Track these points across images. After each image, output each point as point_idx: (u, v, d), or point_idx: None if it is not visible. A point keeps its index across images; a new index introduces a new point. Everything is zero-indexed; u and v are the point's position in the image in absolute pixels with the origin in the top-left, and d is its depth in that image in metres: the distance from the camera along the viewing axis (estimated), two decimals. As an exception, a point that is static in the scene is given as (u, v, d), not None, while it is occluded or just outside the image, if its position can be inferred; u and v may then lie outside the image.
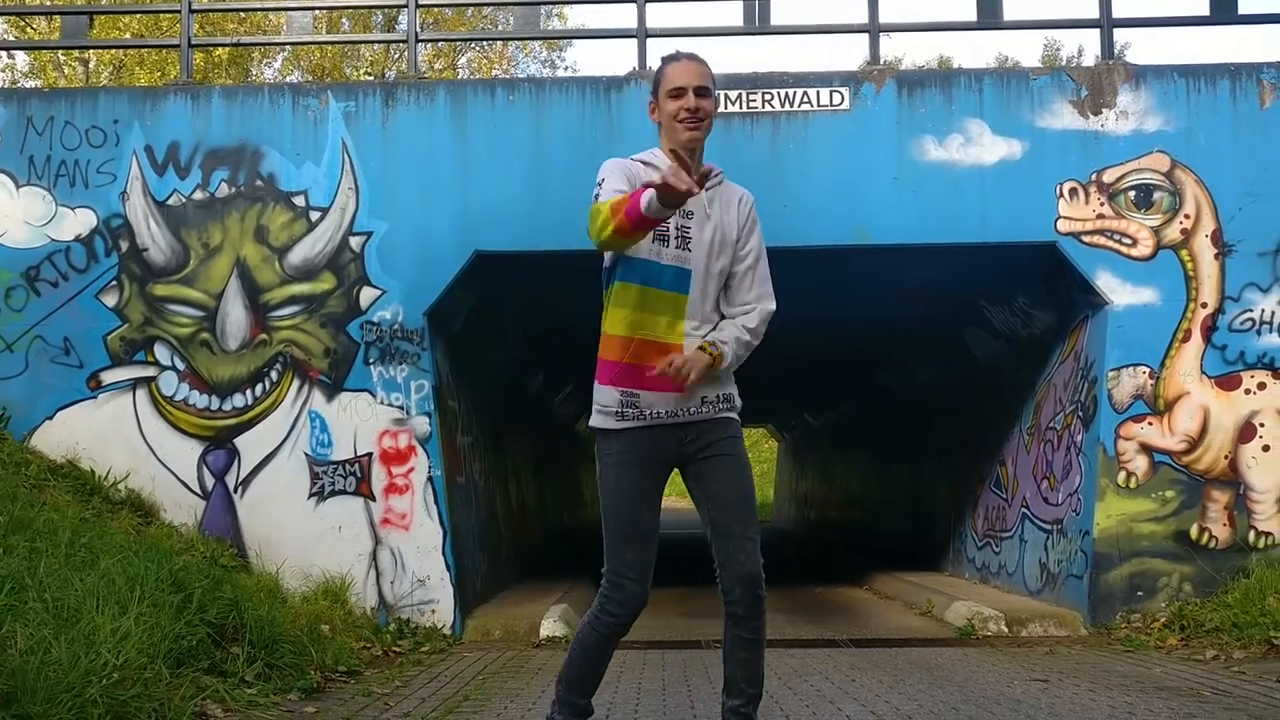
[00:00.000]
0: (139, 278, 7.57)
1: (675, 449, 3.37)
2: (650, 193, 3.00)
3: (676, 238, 3.35)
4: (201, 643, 4.61)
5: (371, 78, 21.23)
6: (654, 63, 8.53)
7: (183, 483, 7.42)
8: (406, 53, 8.11)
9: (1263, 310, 7.37)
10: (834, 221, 7.49)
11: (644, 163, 3.44)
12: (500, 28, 22.13)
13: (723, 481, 3.35)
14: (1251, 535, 7.22)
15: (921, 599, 8.80)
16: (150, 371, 7.53)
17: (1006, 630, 7.24)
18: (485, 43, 23.11)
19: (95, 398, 7.51)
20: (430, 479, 7.42)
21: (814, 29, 8.46)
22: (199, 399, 7.49)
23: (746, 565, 3.29)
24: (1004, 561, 8.86)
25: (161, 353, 7.53)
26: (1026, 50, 54.37)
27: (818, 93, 7.58)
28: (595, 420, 3.41)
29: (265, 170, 7.61)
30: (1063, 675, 5.55)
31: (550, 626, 7.27)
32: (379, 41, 21.56)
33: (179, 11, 8.08)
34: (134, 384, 7.52)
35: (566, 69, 25.18)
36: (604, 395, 3.37)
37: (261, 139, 7.64)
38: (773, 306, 3.48)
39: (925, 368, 11.73)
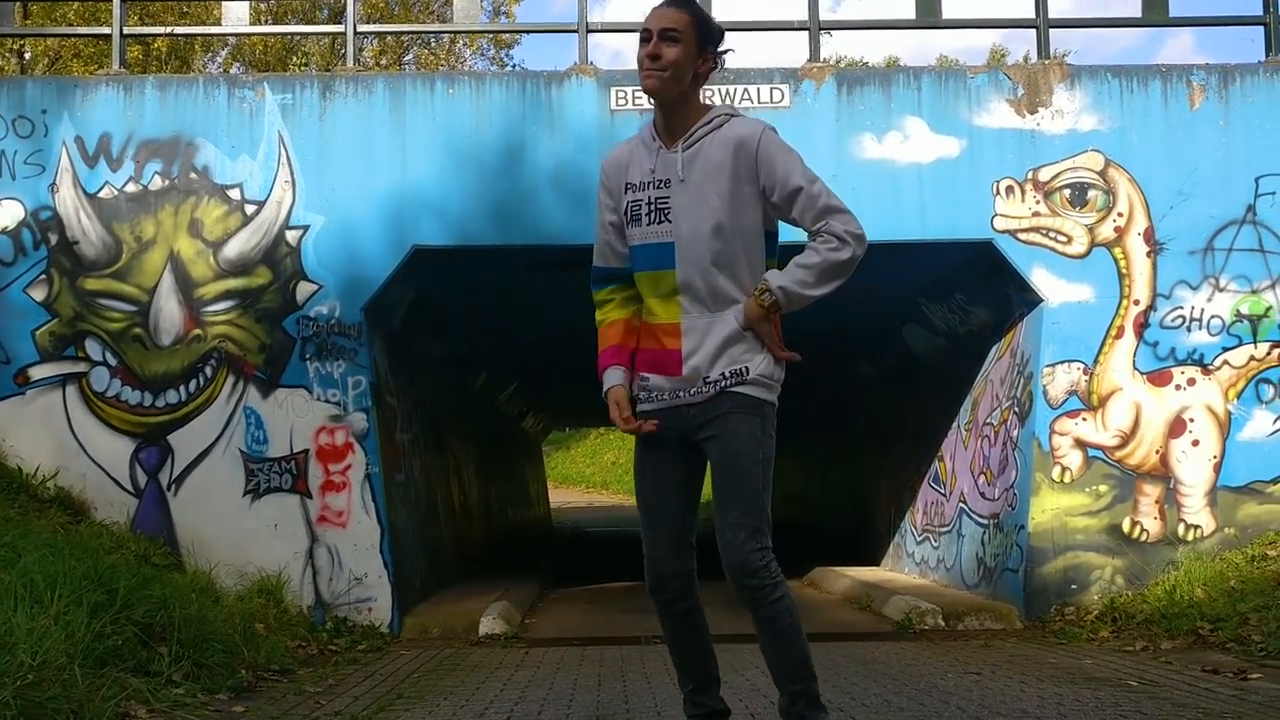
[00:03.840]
0: (69, 271, 7.42)
1: (683, 424, 3.23)
2: (605, 385, 3.23)
3: (651, 213, 3.21)
4: (127, 642, 4.50)
5: (311, 69, 20.92)
6: (595, 58, 8.55)
7: (114, 480, 7.29)
8: (348, 48, 8.03)
9: (1192, 307, 7.51)
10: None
11: (640, 142, 3.30)
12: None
13: (715, 459, 3.21)
14: (1181, 528, 7.36)
15: (860, 593, 8.85)
16: (81, 367, 7.38)
17: (944, 624, 7.30)
18: (432, 44, 22.88)
19: (23, 394, 7.36)
20: (368, 476, 7.34)
21: (756, 25, 8.47)
22: (131, 395, 7.35)
23: (726, 551, 3.12)
24: (942, 556, 8.95)
25: (92, 348, 7.38)
26: (973, 58, 54.91)
27: (758, 89, 7.60)
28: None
29: (200, 163, 7.49)
30: (995, 668, 5.60)
31: (489, 624, 7.23)
32: (316, 33, 21.23)
33: (110, -1, 7.90)
34: (63, 380, 7.37)
35: (514, 67, 25.06)
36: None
37: (196, 131, 7.52)
38: (842, 227, 3.25)
39: (866, 363, 11.80)
